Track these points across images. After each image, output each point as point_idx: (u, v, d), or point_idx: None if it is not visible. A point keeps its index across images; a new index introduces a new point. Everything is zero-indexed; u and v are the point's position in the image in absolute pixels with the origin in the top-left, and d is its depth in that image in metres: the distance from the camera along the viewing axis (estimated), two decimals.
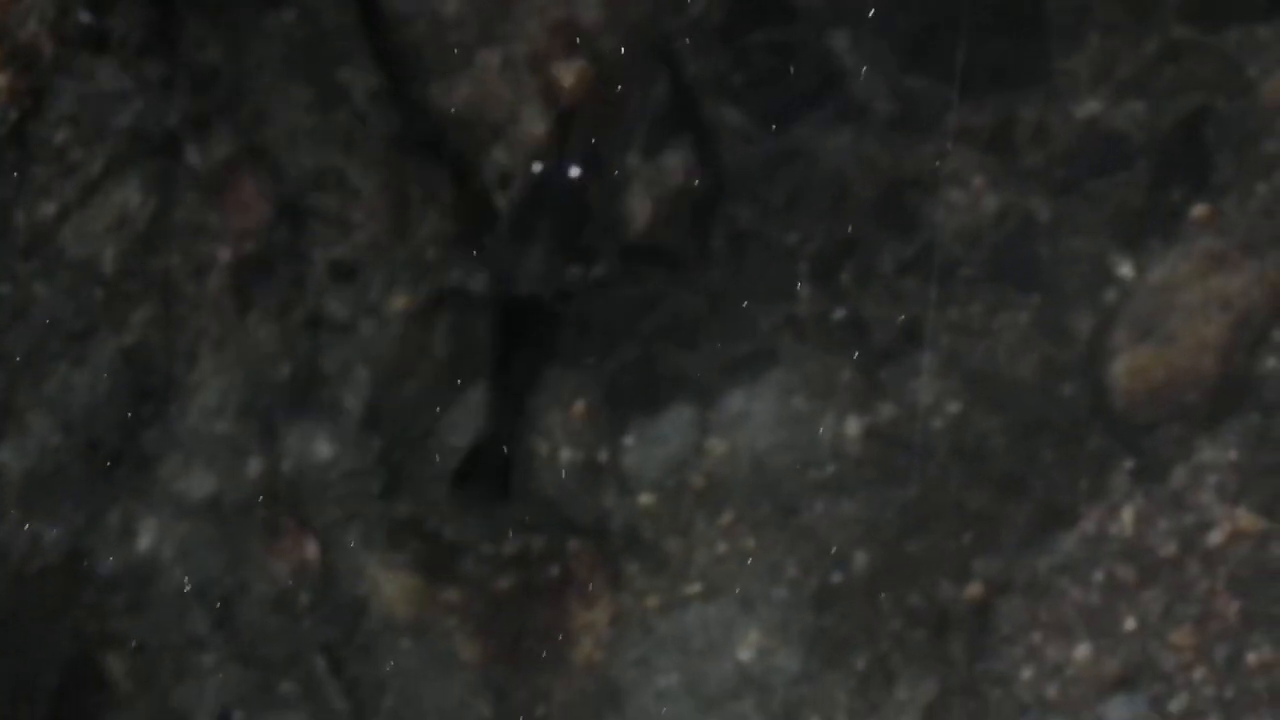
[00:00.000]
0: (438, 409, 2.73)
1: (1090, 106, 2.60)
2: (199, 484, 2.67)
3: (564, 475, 2.69)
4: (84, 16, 2.44)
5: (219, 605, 2.68)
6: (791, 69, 2.68)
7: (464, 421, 2.74)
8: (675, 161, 2.71)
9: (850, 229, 2.66)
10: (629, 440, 2.68)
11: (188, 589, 2.66)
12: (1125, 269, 2.54)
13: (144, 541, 2.69)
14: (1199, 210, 2.52)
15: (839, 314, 2.65)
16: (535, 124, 2.69)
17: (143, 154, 2.53)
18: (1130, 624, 2.46)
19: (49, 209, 2.61)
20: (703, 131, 2.69)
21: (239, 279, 2.64)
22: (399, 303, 2.72)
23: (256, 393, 2.67)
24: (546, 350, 2.72)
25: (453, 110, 2.71)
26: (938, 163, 2.61)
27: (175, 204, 2.57)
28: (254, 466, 2.67)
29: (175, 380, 2.63)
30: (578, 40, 2.68)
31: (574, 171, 2.64)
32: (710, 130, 2.68)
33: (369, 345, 2.72)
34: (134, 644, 2.64)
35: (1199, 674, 2.40)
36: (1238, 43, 2.53)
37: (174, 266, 2.59)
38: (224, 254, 2.62)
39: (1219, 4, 2.55)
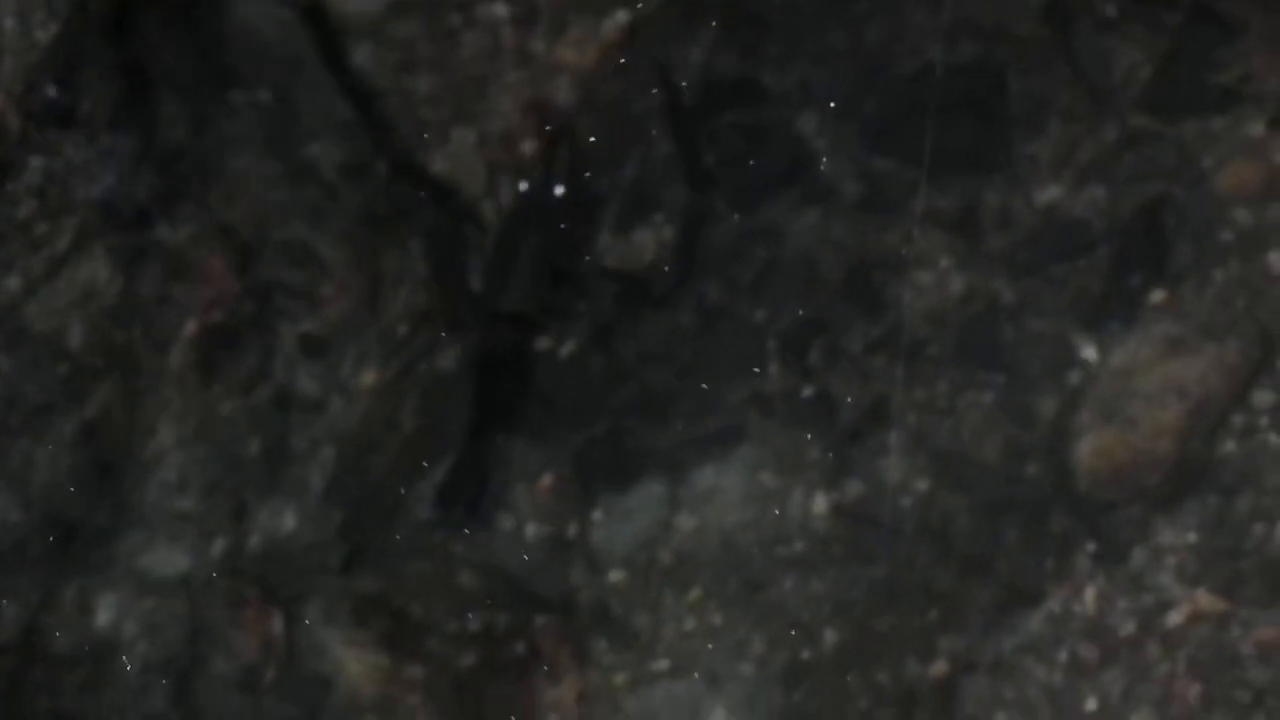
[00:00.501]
0: (404, 485, 2.74)
1: (1052, 192, 2.66)
2: (160, 560, 2.65)
3: (530, 550, 2.70)
4: (51, 91, 2.43)
5: (179, 682, 2.66)
6: (761, 150, 2.73)
7: (430, 498, 2.75)
8: (647, 238, 2.75)
9: (818, 308, 2.70)
10: (597, 515, 2.70)
11: (147, 666, 2.64)
12: (1088, 351, 2.60)
13: (102, 618, 2.67)
14: (1158, 295, 2.59)
15: (807, 391, 2.68)
16: (509, 199, 2.72)
17: (110, 229, 2.52)
18: (1091, 705, 2.51)
19: (14, 284, 2.58)
20: (679, 207, 2.73)
21: (204, 354, 2.63)
22: (368, 379, 2.73)
23: (220, 468, 2.66)
24: (515, 424, 2.74)
25: (427, 185, 2.73)
26: (905, 245, 2.66)
27: (142, 279, 2.55)
28: (217, 542, 2.65)
29: (137, 455, 2.61)
30: (551, 119, 2.71)
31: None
32: (687, 207, 2.73)
33: (336, 421, 2.71)
34: None
35: None
36: (1194, 133, 2.61)
37: (138, 341, 2.57)
38: (189, 329, 2.61)
39: (1175, 94, 2.63)
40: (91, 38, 2.42)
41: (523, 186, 2.62)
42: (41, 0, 2.37)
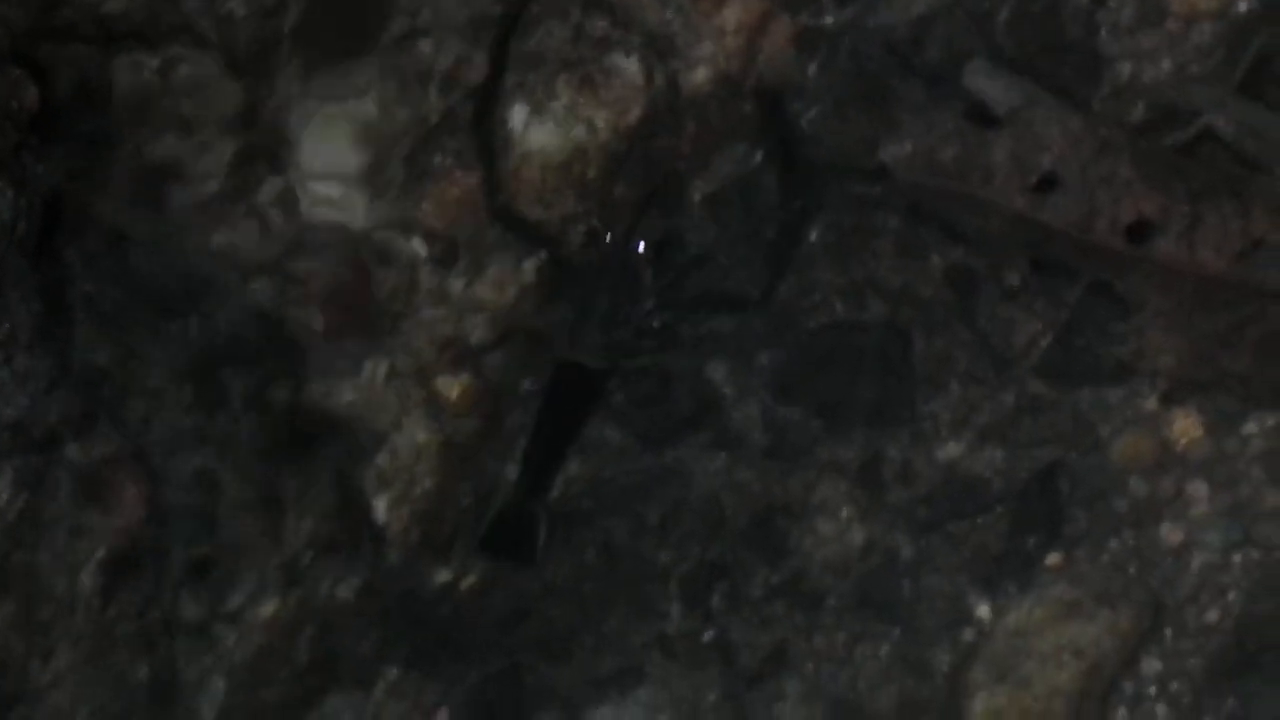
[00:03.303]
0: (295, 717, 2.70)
1: (952, 450, 2.74)
2: None
3: None
4: None
5: None
6: (671, 394, 2.78)
7: None
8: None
9: (722, 552, 2.74)
10: None
11: None
12: (983, 610, 2.67)
13: None
14: (1053, 558, 2.67)
15: (708, 635, 2.71)
16: (418, 434, 2.73)
17: (20, 449, 2.48)
18: None
19: None
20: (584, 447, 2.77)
21: (106, 579, 2.58)
22: (266, 609, 2.69)
23: (111, 696, 2.60)
24: (412, 657, 2.73)
25: (335, 416, 2.72)
26: (809, 493, 2.72)
27: (49, 501, 2.51)
28: None
29: (31, 681, 2.54)
30: (464, 357, 2.73)
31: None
32: (591, 446, 2.76)
33: (231, 649, 2.67)
34: None
35: None
36: (1089, 403, 2.71)
37: (42, 564, 2.52)
38: (95, 553, 2.56)
39: (1071, 365, 2.73)
40: (14, 261, 2.40)
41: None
42: None
